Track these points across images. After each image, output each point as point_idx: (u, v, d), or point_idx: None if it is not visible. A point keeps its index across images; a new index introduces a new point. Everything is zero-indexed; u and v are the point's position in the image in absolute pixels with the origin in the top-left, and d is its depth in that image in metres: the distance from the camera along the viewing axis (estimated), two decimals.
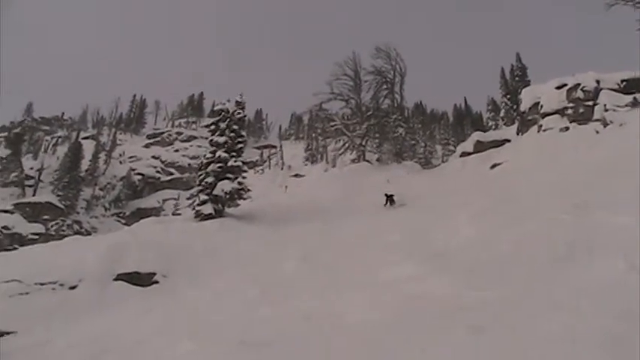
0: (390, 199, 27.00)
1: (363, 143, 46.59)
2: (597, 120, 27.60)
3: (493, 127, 62.00)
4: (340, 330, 7.56)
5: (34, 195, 61.34)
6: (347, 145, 47.74)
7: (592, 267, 7.40)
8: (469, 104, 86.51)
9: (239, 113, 29.99)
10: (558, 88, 31.91)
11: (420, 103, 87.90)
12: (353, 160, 46.08)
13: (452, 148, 59.35)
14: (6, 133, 78.14)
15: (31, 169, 66.58)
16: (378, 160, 45.32)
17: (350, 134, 47.23)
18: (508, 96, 58.92)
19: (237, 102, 30.52)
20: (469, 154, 38.55)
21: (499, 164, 31.45)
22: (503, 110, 60.29)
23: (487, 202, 17.69)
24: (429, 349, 5.76)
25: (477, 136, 40.49)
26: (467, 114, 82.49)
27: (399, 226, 17.46)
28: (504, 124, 55.06)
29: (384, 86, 49.76)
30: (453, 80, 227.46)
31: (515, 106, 51.29)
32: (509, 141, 36.33)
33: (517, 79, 59.01)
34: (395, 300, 8.43)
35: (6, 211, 54.91)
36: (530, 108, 34.85)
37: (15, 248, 33.48)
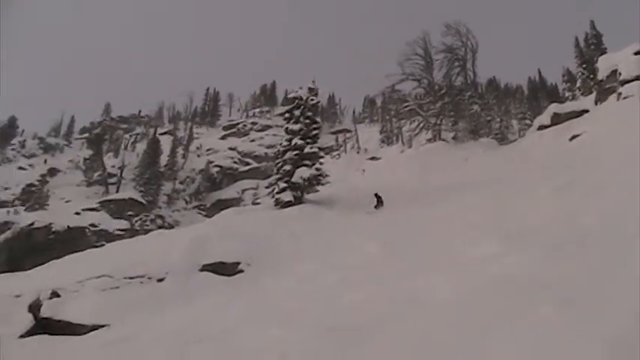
0: (379, 200, 26.11)
1: (438, 122, 46.00)
2: None
3: (570, 98, 59.81)
4: (426, 311, 7.52)
5: (117, 192, 63.69)
6: (422, 125, 47.21)
7: None
8: (543, 76, 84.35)
9: (312, 100, 30.12)
10: (637, 53, 30.55)
11: (494, 78, 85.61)
12: (429, 140, 45.56)
13: (528, 122, 57.83)
14: (87, 134, 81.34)
15: (113, 167, 69.16)
16: (453, 138, 44.65)
17: (424, 114, 46.69)
18: (584, 65, 56.55)
19: (309, 89, 30.68)
20: (546, 127, 37.42)
21: (578, 135, 30.33)
22: (579, 80, 57.93)
23: (568, 174, 17.15)
24: (518, 324, 5.69)
25: (553, 108, 39.33)
26: (542, 86, 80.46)
27: (479, 205, 17.17)
28: (581, 95, 52.95)
29: (456, 63, 48.94)
30: (526, 53, 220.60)
31: (591, 76, 49.32)
32: (587, 111, 35.07)
33: (592, 47, 56.67)
34: (478, 279, 8.34)
35: (92, 209, 57.18)
36: (607, 76, 33.57)
37: (102, 245, 34.88)
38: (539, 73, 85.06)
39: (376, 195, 26.32)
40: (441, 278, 9.07)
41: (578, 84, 58.30)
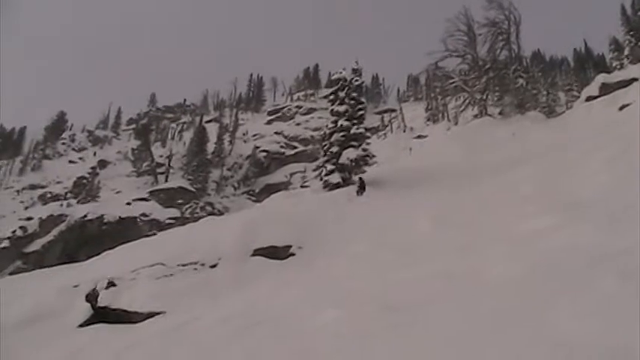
0: (361, 184, 25.35)
1: (484, 98, 45.20)
2: None
3: (617, 67, 58.00)
4: (483, 287, 7.42)
5: (166, 181, 64.67)
6: (467, 101, 46.58)
7: None
8: (589, 47, 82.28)
9: (356, 80, 29.89)
10: None
11: (538, 51, 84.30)
12: (475, 116, 44.88)
13: (575, 93, 56.32)
14: (134, 125, 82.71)
15: (161, 156, 70.19)
16: (500, 113, 43.80)
17: (469, 90, 46.02)
18: (631, 33, 54.97)
19: (353, 69, 30.46)
20: (595, 97, 36.34)
21: (628, 105, 29.35)
22: (627, 48, 56.35)
23: (619, 144, 16.62)
24: (582, 298, 5.52)
25: (601, 78, 38.17)
26: (588, 57, 78.68)
27: (530, 178, 16.80)
28: (630, 63, 51.42)
29: (500, 37, 47.90)
30: (570, 24, 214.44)
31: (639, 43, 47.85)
32: (636, 79, 33.90)
33: (639, 13, 55.10)
34: (535, 252, 8.18)
35: (142, 199, 58.22)
36: None
37: (154, 234, 35.53)
38: (585, 43, 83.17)
39: (360, 179, 25.88)
40: (497, 253, 8.95)
41: (626, 52, 56.78)
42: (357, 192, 24.93)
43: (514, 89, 44.96)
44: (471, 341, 5.60)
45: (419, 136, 54.94)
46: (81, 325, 14.81)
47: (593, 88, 37.91)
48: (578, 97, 46.31)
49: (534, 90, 49.68)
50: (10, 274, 42.72)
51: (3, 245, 47.20)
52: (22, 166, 79.13)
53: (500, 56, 47.90)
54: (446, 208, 16.46)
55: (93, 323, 14.73)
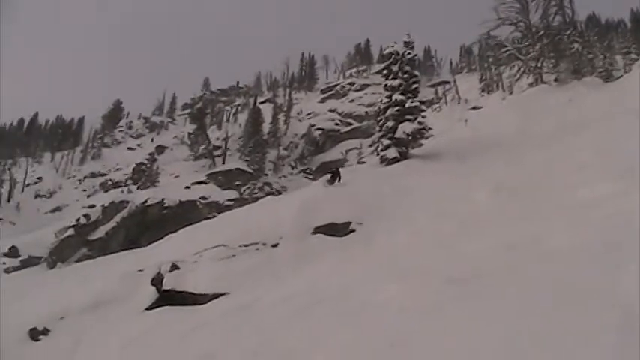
0: (336, 175, 24.19)
1: (538, 65, 44.13)
2: None
3: None
4: (546, 257, 7.31)
5: (223, 164, 65.30)
6: (522, 69, 45.52)
7: None
8: None
9: (409, 54, 29.52)
10: None
11: (593, 14, 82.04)
12: (530, 84, 43.89)
13: (634, 56, 54.56)
14: (189, 110, 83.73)
15: (217, 139, 70.87)
16: (555, 80, 42.68)
17: (523, 58, 45.01)
18: None
19: (405, 42, 30.05)
20: None
21: None
22: None
23: None
24: None
25: None
26: None
27: (587, 145, 16.33)
28: None
29: (552, 2, 46.63)
30: None
31: None
32: None
33: None
34: (598, 220, 8.02)
35: (201, 182, 58.90)
36: None
37: (214, 216, 36.01)
38: None
39: (332, 172, 24.98)
40: (558, 222, 8.85)
41: None
42: (329, 181, 24.23)
43: (569, 55, 43.87)
44: (538, 312, 5.52)
45: (474, 107, 54.00)
46: (147, 309, 15.19)
47: None
48: (637, 59, 44.95)
49: (590, 55, 48.36)
50: (76, 261, 44.04)
51: (68, 233, 48.44)
52: (83, 156, 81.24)
53: (554, 22, 46.70)
54: (503, 178, 16.23)
55: (158, 306, 15.09)
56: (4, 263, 46.13)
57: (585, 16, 75.79)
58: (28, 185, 69.03)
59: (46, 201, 66.50)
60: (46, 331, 15.57)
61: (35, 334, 15.53)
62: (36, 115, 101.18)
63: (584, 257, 6.57)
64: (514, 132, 27.27)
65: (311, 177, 64.28)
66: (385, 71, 29.86)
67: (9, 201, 63.32)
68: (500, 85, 56.00)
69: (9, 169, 67.47)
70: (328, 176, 24.92)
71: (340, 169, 25.57)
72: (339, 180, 23.81)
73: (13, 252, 47.90)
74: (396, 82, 28.39)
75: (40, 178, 71.89)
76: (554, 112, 28.39)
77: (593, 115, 24.19)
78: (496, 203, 13.27)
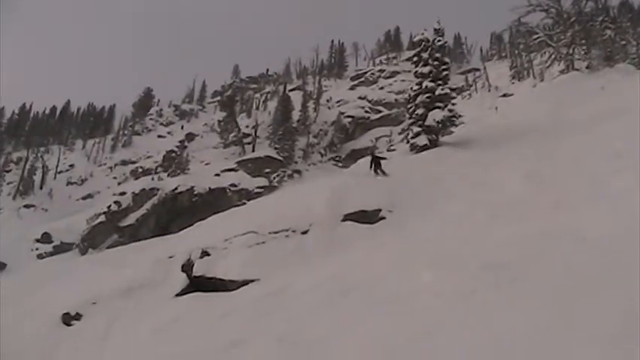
0: (377, 165, 22.91)
1: (570, 52, 43.47)
2: None
3: None
4: (582, 245, 7.23)
5: (253, 151, 65.47)
6: (553, 56, 44.91)
7: None
8: None
9: (439, 41, 29.28)
10: None
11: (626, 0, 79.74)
12: (561, 72, 43.25)
13: None
14: (219, 97, 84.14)
15: (247, 127, 71.15)
16: (587, 67, 42.05)
17: (555, 45, 44.35)
18: None
19: (435, 29, 29.81)
20: None
21: None
22: None
23: None
24: None
25: None
26: None
27: (621, 133, 16.01)
28: None
29: None
30: None
31: None
32: None
33: None
34: (631, 209, 7.85)
35: (231, 170, 59.18)
36: None
37: (244, 203, 36.20)
38: None
39: (374, 156, 24.14)
40: (592, 210, 8.78)
41: None
42: (376, 171, 22.84)
43: (601, 41, 43.28)
44: (575, 299, 5.47)
45: (504, 95, 53.37)
46: (178, 295, 15.31)
47: None
48: None
49: (623, 41, 47.61)
50: (108, 247, 44.66)
51: (99, 220, 49.15)
52: (114, 143, 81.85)
53: (586, 8, 46.02)
54: (536, 165, 16.03)
55: (189, 292, 15.20)
56: (37, 249, 47.02)
57: (618, 1, 74.55)
58: (60, 172, 69.79)
59: (77, 188, 67.24)
60: (78, 316, 15.80)
61: (68, 319, 15.76)
62: (68, 103, 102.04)
63: (622, 247, 6.48)
64: (545, 120, 26.93)
65: (340, 165, 64.30)
66: (415, 58, 29.72)
67: (41, 188, 64.07)
68: (530, 72, 55.37)
69: (41, 157, 68.45)
70: (367, 166, 23.48)
71: (378, 155, 25.19)
72: (380, 169, 22.76)
73: (45, 238, 48.74)
74: (426, 70, 28.23)
75: (71, 166, 72.70)
76: (586, 100, 27.97)
77: (627, 103, 23.72)
78: (528, 191, 13.12)
